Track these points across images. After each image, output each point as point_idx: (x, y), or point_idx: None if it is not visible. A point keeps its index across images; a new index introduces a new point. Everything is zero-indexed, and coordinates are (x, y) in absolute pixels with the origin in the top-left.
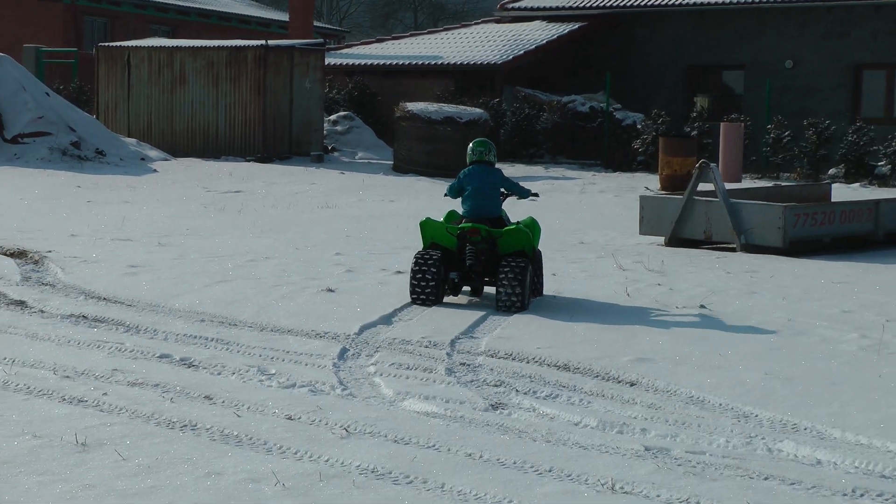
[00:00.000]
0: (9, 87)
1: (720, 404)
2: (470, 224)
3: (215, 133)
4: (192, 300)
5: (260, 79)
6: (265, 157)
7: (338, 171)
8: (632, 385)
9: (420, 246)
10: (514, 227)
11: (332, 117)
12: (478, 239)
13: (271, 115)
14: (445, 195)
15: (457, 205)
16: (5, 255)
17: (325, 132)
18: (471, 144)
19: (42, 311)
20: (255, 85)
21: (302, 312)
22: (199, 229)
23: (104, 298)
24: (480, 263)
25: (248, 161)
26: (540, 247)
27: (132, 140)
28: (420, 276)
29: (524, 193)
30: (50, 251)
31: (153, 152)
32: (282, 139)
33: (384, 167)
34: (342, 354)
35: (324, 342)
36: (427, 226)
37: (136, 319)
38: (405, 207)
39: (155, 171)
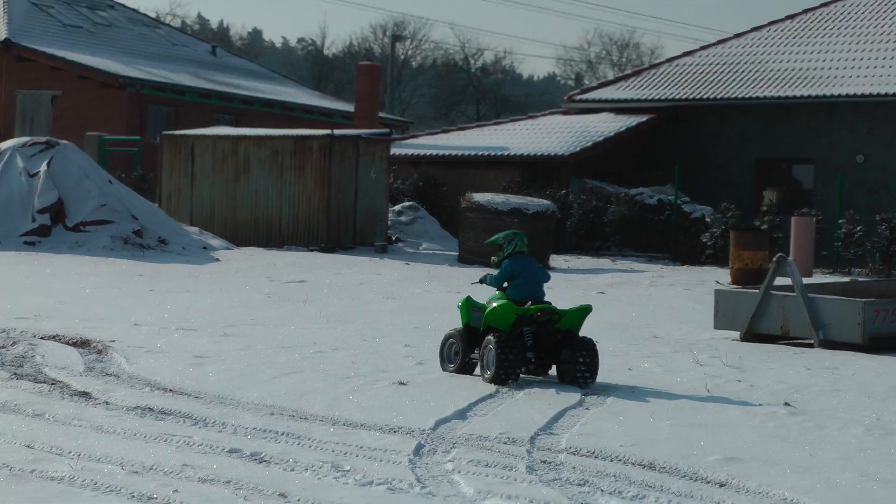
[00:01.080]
0: (72, 175)
1: None
2: (543, 304)
3: (278, 223)
4: (260, 392)
5: (325, 168)
6: (329, 248)
7: (402, 262)
8: (721, 486)
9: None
10: (577, 307)
11: (397, 207)
12: (547, 319)
13: (336, 205)
14: (483, 282)
15: (477, 293)
16: (68, 344)
17: (389, 222)
18: (505, 234)
19: (107, 403)
20: (320, 175)
21: (374, 406)
22: (264, 319)
23: (170, 390)
24: (542, 343)
25: (312, 251)
26: (612, 340)
27: (195, 229)
28: (507, 357)
29: (548, 278)
30: (113, 341)
31: (215, 241)
32: (346, 229)
33: (449, 258)
34: (418, 450)
35: (398, 437)
36: (498, 309)
37: (203, 412)
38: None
39: (217, 260)
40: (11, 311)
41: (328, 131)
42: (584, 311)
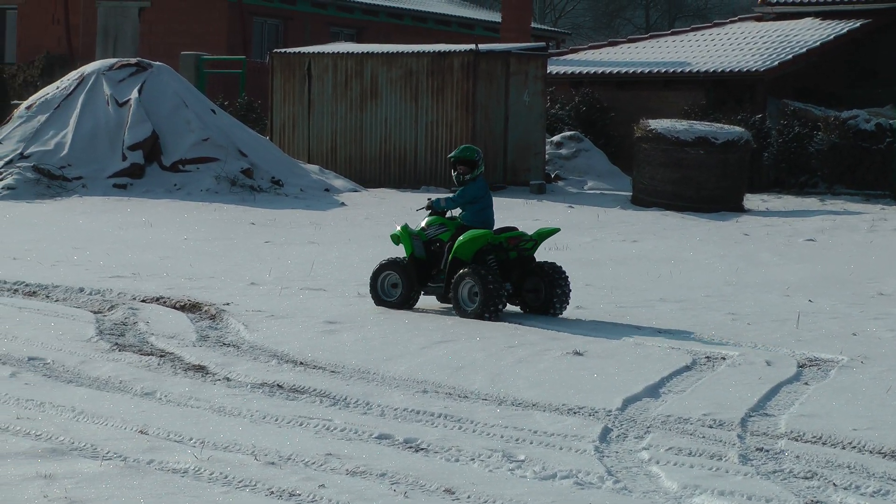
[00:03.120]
0: (167, 104)
1: None
2: (511, 231)
3: (413, 158)
4: (408, 365)
5: (469, 92)
6: None
7: (564, 205)
8: None
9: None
10: (538, 231)
11: (556, 138)
12: (529, 245)
13: (482, 136)
14: (439, 207)
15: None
16: (175, 307)
17: (546, 156)
18: (475, 150)
19: (227, 380)
20: (463, 99)
21: (546, 381)
22: None
23: (301, 363)
24: (505, 272)
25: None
26: (828, 298)
27: (314, 167)
28: (493, 289)
29: None
30: (228, 304)
31: (339, 182)
32: (495, 165)
33: (621, 199)
34: (605, 436)
35: (579, 420)
36: (470, 240)
37: (343, 389)
38: (652, 249)
39: (343, 204)
40: (105, 268)
41: (472, 46)
42: (544, 236)
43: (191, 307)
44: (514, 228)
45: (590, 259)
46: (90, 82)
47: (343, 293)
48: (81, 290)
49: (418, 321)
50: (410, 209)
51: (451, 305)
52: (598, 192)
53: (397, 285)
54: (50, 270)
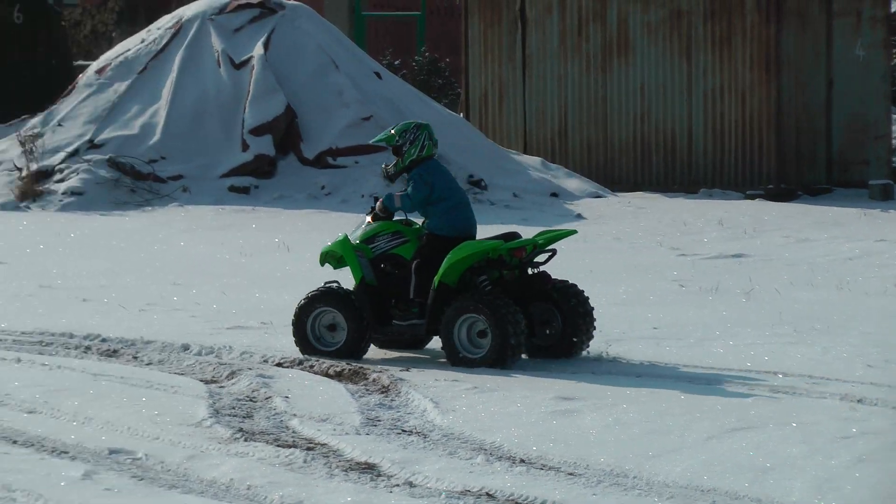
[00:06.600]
0: (308, 64)
1: None
2: (516, 239)
3: (686, 146)
4: (687, 464)
5: (770, 41)
6: (783, 191)
7: None
8: None
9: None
10: (550, 232)
11: None
12: (520, 261)
13: (792, 111)
14: (392, 208)
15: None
16: (329, 375)
17: (894, 143)
18: (403, 127)
19: (410, 485)
20: (761, 53)
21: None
22: (678, 326)
23: (522, 461)
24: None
25: (752, 198)
26: None
27: (533, 160)
28: (514, 324)
29: None
30: (407, 369)
31: (573, 182)
32: (812, 156)
33: None
34: None
35: None
36: (468, 253)
37: (588, 501)
38: None
39: (579, 217)
40: (220, 315)
41: None
42: (552, 240)
43: (351, 375)
44: (514, 234)
45: None
46: (191, 32)
47: (586, 355)
48: (186, 347)
49: (702, 398)
50: (709, 225)
51: (418, 350)
52: None
53: (337, 327)
54: (138, 318)
